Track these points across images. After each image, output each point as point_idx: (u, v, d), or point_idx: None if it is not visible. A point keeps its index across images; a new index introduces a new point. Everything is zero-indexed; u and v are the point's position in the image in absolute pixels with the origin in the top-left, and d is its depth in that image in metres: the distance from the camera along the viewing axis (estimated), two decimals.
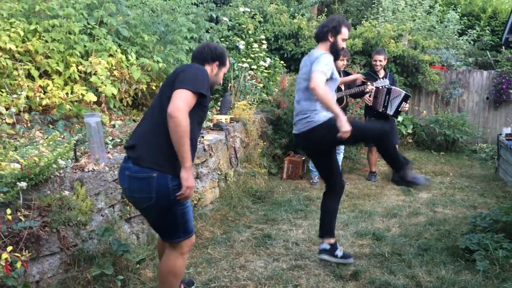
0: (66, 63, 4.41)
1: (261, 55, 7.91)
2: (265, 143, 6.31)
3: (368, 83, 5.88)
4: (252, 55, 7.81)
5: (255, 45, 7.96)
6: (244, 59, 7.42)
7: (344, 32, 3.45)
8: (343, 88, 5.88)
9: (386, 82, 5.83)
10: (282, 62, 8.45)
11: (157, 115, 2.44)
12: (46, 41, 4.30)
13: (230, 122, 5.56)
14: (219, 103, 6.11)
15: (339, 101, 5.80)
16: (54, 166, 2.82)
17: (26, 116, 3.91)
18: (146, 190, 2.39)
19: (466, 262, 3.53)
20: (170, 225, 2.52)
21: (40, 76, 4.29)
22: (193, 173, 2.51)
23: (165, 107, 2.33)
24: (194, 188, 2.47)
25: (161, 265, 2.67)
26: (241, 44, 7.84)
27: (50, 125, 4.00)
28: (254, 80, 6.94)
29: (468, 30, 11.50)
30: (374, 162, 6.46)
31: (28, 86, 4.05)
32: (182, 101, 2.29)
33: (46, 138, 3.41)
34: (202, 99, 2.44)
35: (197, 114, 2.47)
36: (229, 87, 6.57)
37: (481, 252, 3.49)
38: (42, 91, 4.15)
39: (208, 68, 2.61)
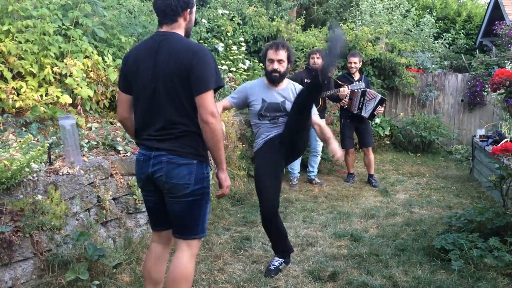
0: (40, 64, 4.32)
1: (240, 57, 7.90)
2: (244, 145, 6.29)
3: (344, 86, 5.94)
4: (231, 57, 7.79)
5: (234, 47, 7.95)
6: (223, 61, 7.41)
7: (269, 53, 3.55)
8: None
9: (362, 85, 5.89)
10: (261, 64, 8.46)
11: (173, 111, 2.38)
12: (20, 42, 4.21)
13: None
14: None
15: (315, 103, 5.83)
16: (27, 169, 2.76)
17: None
18: (186, 177, 2.37)
19: (442, 262, 3.58)
20: (193, 217, 2.48)
21: (13, 78, 4.19)
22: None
23: (183, 103, 2.34)
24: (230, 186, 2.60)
25: (171, 271, 2.46)
26: (220, 46, 7.83)
27: (23, 128, 3.91)
28: (233, 83, 6.93)
29: (443, 34, 11.73)
30: (352, 164, 6.53)
31: (0, 88, 3.95)
32: (211, 105, 2.29)
33: (20, 141, 3.34)
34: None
35: None
36: None
37: (456, 252, 3.54)
38: (16, 93, 4.05)
39: (181, 20, 2.44)
